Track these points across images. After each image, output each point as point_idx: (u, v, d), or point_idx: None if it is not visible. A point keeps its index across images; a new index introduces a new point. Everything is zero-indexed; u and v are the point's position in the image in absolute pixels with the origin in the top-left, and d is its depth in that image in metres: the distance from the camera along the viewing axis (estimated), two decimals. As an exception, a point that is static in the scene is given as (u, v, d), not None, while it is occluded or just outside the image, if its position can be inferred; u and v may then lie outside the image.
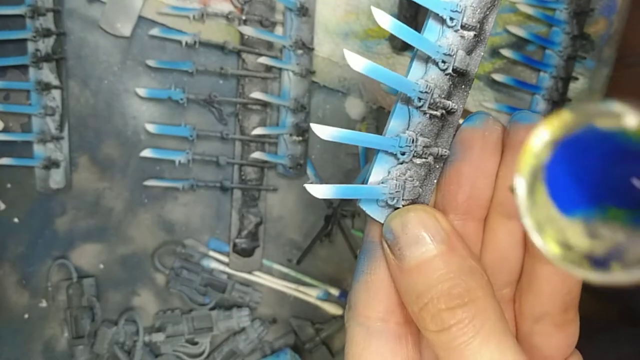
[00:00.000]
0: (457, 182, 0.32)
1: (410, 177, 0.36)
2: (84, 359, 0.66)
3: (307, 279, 0.73)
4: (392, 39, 0.69)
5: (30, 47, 0.62)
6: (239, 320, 0.70)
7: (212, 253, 0.70)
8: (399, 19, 0.69)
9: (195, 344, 0.69)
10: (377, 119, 0.71)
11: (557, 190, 0.23)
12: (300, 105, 0.67)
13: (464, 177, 0.32)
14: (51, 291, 0.67)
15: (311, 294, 0.72)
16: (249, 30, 0.64)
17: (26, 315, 0.67)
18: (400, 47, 0.69)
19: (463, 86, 0.38)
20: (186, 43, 0.64)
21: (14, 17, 0.61)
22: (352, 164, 0.72)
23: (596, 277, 0.23)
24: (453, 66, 0.37)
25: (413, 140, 0.35)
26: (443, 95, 0.36)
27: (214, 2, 0.66)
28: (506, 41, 0.71)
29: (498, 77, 0.70)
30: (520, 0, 0.70)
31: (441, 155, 0.36)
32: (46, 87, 0.63)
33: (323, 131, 0.34)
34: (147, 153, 0.65)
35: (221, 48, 0.66)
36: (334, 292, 0.73)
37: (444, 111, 0.36)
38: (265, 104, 0.68)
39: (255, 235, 0.70)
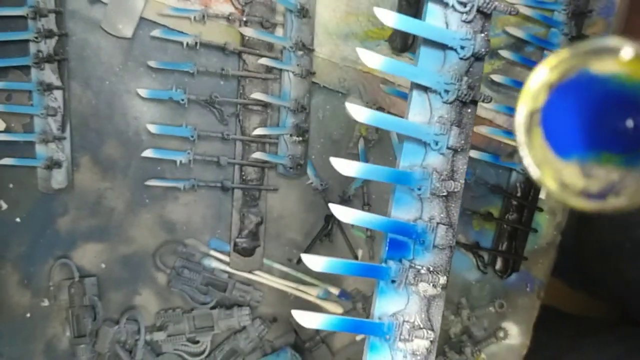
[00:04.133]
0: None
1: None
2: (85, 358, 0.67)
3: (308, 278, 0.73)
4: (392, 40, 0.70)
5: (32, 48, 0.62)
6: (239, 319, 0.70)
7: (213, 252, 0.70)
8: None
9: (196, 342, 0.70)
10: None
11: (553, 134, 0.24)
12: (301, 106, 0.67)
13: None
14: (53, 290, 0.67)
15: (311, 293, 0.73)
16: (249, 32, 0.64)
17: (28, 315, 0.67)
18: (400, 48, 0.69)
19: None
20: (187, 44, 0.64)
21: (16, 18, 0.62)
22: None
23: (592, 206, 0.23)
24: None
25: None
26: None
27: (214, 4, 0.66)
28: (505, 42, 0.72)
29: (497, 77, 0.70)
30: (519, 1, 0.70)
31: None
32: (48, 87, 0.63)
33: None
34: (148, 153, 0.65)
35: (222, 49, 0.66)
36: (334, 291, 0.73)
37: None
38: (265, 105, 0.68)
39: (255, 234, 0.71)
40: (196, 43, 0.64)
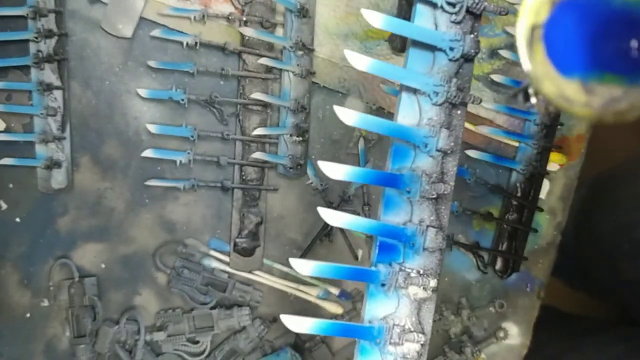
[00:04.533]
0: None
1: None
2: (85, 358, 0.67)
3: (308, 279, 0.73)
4: (392, 40, 0.70)
5: (32, 48, 0.62)
6: (239, 319, 0.70)
7: (213, 252, 0.70)
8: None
9: (196, 342, 0.70)
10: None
11: (555, 52, 0.24)
12: (301, 106, 0.67)
13: None
14: (53, 290, 0.67)
15: (311, 293, 0.73)
16: (249, 32, 0.64)
17: (28, 315, 0.67)
18: (400, 48, 0.69)
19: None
20: (187, 44, 0.64)
21: (15, 18, 0.62)
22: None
23: (593, 113, 0.24)
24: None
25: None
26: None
27: (214, 4, 0.66)
28: (505, 42, 0.72)
29: (497, 77, 0.70)
30: (519, 1, 0.70)
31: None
32: (48, 87, 0.63)
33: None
34: (148, 153, 0.65)
35: (222, 49, 0.66)
36: (334, 291, 0.73)
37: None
38: (265, 105, 0.68)
39: (255, 234, 0.71)
40: (196, 43, 0.64)
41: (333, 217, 0.39)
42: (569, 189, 0.77)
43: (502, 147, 0.74)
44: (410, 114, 0.42)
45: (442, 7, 0.41)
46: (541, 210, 0.75)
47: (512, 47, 0.72)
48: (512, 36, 0.71)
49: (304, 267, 0.38)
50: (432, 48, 0.41)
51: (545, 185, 0.76)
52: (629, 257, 0.87)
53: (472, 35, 0.42)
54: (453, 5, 0.41)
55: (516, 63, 0.72)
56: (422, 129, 0.41)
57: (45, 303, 0.68)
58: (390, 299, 0.42)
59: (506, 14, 0.43)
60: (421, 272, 0.42)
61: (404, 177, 0.41)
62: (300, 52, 0.66)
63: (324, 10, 0.68)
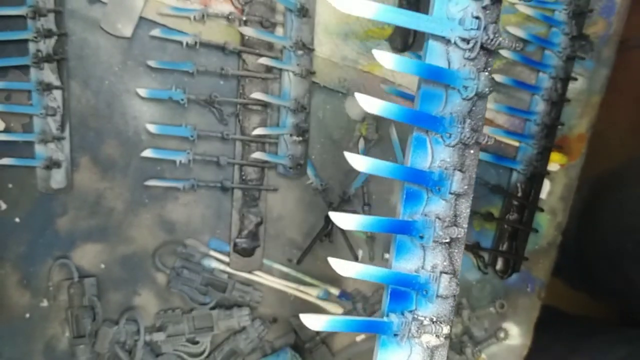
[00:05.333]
0: None
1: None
2: (85, 359, 0.67)
3: (308, 279, 0.73)
4: (392, 39, 0.70)
5: (32, 47, 0.62)
6: (239, 319, 0.70)
7: (212, 253, 0.70)
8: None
9: (196, 343, 0.70)
10: (377, 119, 0.71)
11: None
12: (301, 106, 0.67)
13: None
14: (52, 291, 0.67)
15: (311, 294, 0.73)
16: (249, 31, 0.64)
17: (27, 315, 0.67)
18: (401, 47, 0.69)
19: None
20: (187, 44, 0.64)
21: (15, 17, 0.62)
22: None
23: None
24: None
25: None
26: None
27: (214, 3, 0.66)
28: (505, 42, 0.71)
29: (497, 77, 0.70)
30: (520, 1, 0.70)
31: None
32: (47, 87, 0.63)
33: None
34: (148, 153, 0.65)
35: (222, 49, 0.66)
36: (334, 291, 0.73)
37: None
38: (265, 105, 0.68)
39: (255, 235, 0.71)
40: (196, 42, 0.64)
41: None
42: (569, 189, 0.77)
43: (503, 147, 0.74)
44: (422, 155, 0.40)
45: (455, 43, 0.38)
46: (542, 210, 0.75)
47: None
48: (513, 36, 0.71)
49: (315, 322, 0.36)
50: (444, 86, 0.39)
51: (546, 185, 0.76)
52: (631, 258, 0.87)
53: (486, 73, 0.39)
54: (467, 41, 0.38)
55: (516, 63, 0.72)
56: (435, 171, 0.39)
57: (45, 303, 0.67)
58: (403, 348, 0.40)
59: (521, 49, 0.41)
60: (434, 319, 0.41)
61: (417, 224, 0.39)
62: (300, 52, 0.66)
63: (324, 10, 0.68)
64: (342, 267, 0.37)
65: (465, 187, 0.40)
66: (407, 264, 0.40)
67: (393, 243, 0.40)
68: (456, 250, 0.41)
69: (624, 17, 0.74)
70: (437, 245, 0.40)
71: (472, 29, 0.38)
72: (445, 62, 0.39)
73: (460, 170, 0.40)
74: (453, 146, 0.39)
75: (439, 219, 0.40)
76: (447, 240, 0.40)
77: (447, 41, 0.38)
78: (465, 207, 0.41)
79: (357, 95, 0.34)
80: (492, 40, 0.39)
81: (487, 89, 0.39)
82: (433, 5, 0.38)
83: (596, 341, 0.90)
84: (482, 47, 0.39)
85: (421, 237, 0.39)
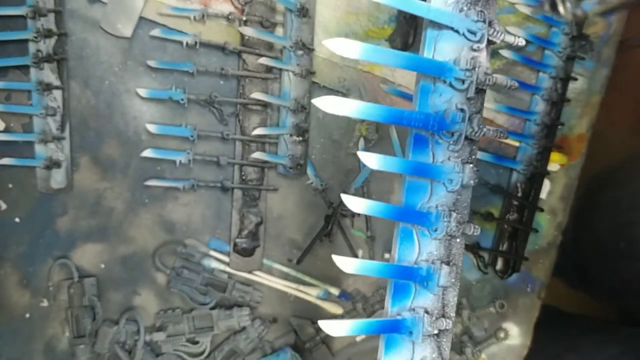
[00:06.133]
0: None
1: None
2: (85, 359, 0.67)
3: (308, 279, 0.73)
4: (392, 39, 0.70)
5: (32, 47, 0.62)
6: (239, 319, 0.70)
7: (212, 253, 0.70)
8: (398, 19, 0.70)
9: (196, 343, 0.70)
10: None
11: None
12: (301, 106, 0.67)
13: None
14: (52, 291, 0.67)
15: (311, 294, 0.73)
16: (249, 31, 0.64)
17: (27, 315, 0.67)
18: (401, 47, 0.69)
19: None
20: (187, 44, 0.64)
21: (15, 17, 0.62)
22: (352, 164, 0.72)
23: None
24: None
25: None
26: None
27: (214, 3, 0.66)
28: (505, 42, 0.71)
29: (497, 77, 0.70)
30: (520, 1, 0.70)
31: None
32: (47, 87, 0.63)
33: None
34: (148, 153, 0.65)
35: (222, 49, 0.66)
36: (334, 291, 0.73)
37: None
38: (265, 105, 0.68)
39: (255, 235, 0.71)
40: (196, 42, 0.64)
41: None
42: (569, 188, 0.77)
43: (503, 147, 0.74)
44: (409, 248, 0.40)
45: (440, 136, 0.39)
46: (542, 210, 0.75)
47: (512, 46, 0.72)
48: (512, 36, 0.71)
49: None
50: (429, 179, 0.39)
51: (546, 185, 0.76)
52: (624, 256, 0.87)
53: (471, 165, 0.39)
54: (451, 133, 0.39)
55: (516, 63, 0.72)
56: (423, 267, 0.39)
57: (45, 303, 0.67)
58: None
59: (506, 138, 0.41)
60: None
61: (406, 322, 0.39)
62: (300, 52, 0.66)
63: (324, 10, 0.68)
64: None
65: (453, 280, 0.40)
66: (396, 359, 0.40)
67: (381, 341, 0.40)
68: (444, 340, 0.41)
69: (624, 17, 0.74)
70: (425, 338, 0.40)
71: (456, 122, 0.38)
72: (429, 156, 0.39)
73: (447, 264, 0.40)
74: (439, 239, 0.40)
75: (427, 313, 0.40)
76: (435, 333, 0.40)
77: (431, 134, 0.39)
78: (452, 297, 0.41)
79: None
80: (476, 132, 0.39)
81: (472, 181, 0.40)
82: (417, 98, 0.38)
83: (591, 340, 0.90)
84: (466, 137, 0.39)
85: (410, 334, 0.39)
